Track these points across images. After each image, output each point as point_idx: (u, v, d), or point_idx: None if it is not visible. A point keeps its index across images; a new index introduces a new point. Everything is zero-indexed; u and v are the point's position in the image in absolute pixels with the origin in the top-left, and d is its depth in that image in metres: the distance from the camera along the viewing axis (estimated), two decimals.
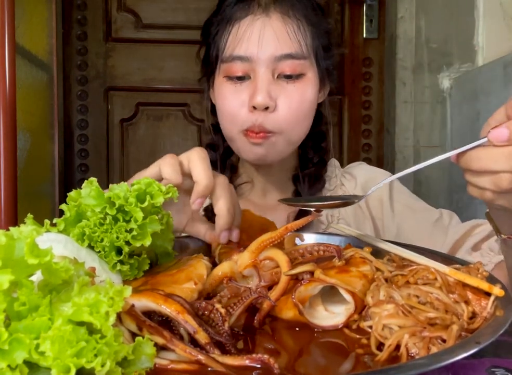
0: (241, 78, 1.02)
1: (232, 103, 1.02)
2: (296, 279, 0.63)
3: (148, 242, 0.61)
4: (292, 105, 1.01)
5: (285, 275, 0.62)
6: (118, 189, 0.62)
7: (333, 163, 1.20)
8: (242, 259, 0.64)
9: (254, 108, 0.99)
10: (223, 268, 0.63)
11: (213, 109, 1.14)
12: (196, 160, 0.76)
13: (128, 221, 0.61)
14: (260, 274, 0.63)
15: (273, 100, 0.99)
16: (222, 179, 0.79)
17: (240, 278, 0.64)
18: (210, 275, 0.63)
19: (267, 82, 0.99)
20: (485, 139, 0.60)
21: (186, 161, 0.77)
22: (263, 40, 1.00)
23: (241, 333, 0.56)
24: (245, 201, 1.17)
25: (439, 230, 1.05)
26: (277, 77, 1.01)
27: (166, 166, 0.76)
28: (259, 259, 0.64)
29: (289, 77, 1.01)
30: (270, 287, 0.63)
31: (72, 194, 0.63)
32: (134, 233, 0.60)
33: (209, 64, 1.10)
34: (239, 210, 0.84)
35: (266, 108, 0.99)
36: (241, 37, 1.01)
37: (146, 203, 0.61)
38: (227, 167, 1.17)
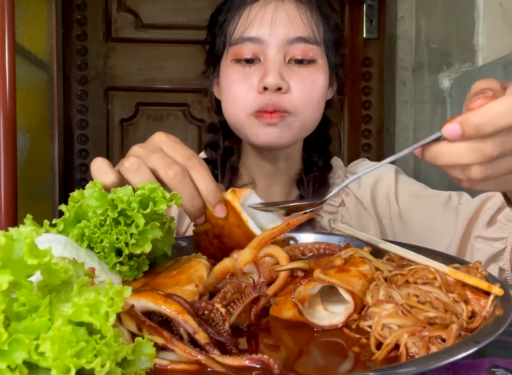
0: (250, 61, 0.99)
1: (240, 86, 0.99)
2: (292, 276, 0.63)
3: (148, 249, 0.61)
4: (305, 88, 0.98)
5: (275, 270, 0.62)
6: (122, 193, 0.61)
7: (337, 163, 1.17)
8: (243, 256, 0.64)
9: (265, 89, 0.96)
10: (225, 264, 0.64)
11: (217, 105, 1.11)
12: (199, 169, 0.69)
13: (129, 225, 0.61)
14: (260, 271, 0.63)
15: (286, 82, 0.96)
16: (195, 161, 0.70)
17: (241, 274, 0.64)
18: (212, 272, 0.63)
19: (278, 64, 0.97)
20: (440, 134, 0.58)
21: (179, 167, 0.68)
22: (275, 22, 0.97)
23: (245, 329, 0.56)
24: None
25: (450, 212, 1.01)
26: (288, 61, 0.98)
27: (135, 176, 0.67)
28: (259, 256, 0.64)
29: (300, 62, 0.98)
30: (270, 284, 0.63)
31: (75, 194, 0.63)
32: (134, 238, 0.60)
33: (215, 53, 1.07)
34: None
35: (279, 89, 0.95)
36: (253, 19, 0.98)
37: (148, 210, 0.61)
38: (227, 168, 1.12)
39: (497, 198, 0.95)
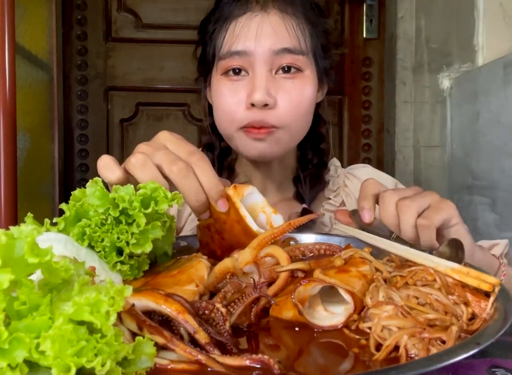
0: (238, 72, 1.00)
1: (230, 101, 1.01)
2: (292, 277, 0.63)
3: (148, 248, 0.61)
4: (292, 101, 1.00)
5: (276, 271, 0.62)
6: (124, 192, 0.61)
7: (334, 163, 1.20)
8: (243, 256, 0.64)
9: (252, 105, 0.98)
10: (226, 264, 0.64)
11: (210, 109, 1.13)
12: (202, 164, 0.70)
13: (130, 224, 0.61)
14: (260, 271, 0.63)
15: (273, 97, 0.98)
16: (197, 156, 0.71)
17: (241, 274, 0.64)
18: (212, 272, 0.63)
19: (265, 78, 0.98)
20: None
21: (182, 163, 0.69)
22: (260, 34, 0.99)
23: (245, 329, 0.56)
24: None
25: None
26: (275, 72, 1.00)
27: (140, 171, 0.68)
28: (259, 256, 0.64)
29: (287, 70, 1.00)
30: (270, 284, 0.63)
31: (76, 192, 0.63)
32: (135, 238, 0.60)
33: (206, 63, 1.09)
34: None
35: (265, 105, 0.97)
36: (239, 34, 1.00)
37: (150, 210, 0.61)
38: (224, 168, 1.16)
39: (499, 247, 0.97)
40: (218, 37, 1.03)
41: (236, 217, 0.71)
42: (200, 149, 1.17)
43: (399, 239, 0.74)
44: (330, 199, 1.15)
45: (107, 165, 0.69)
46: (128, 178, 0.70)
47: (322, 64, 1.08)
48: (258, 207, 0.74)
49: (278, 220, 0.73)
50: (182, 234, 1.11)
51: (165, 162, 0.69)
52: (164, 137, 0.73)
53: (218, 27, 1.04)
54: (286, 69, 1.00)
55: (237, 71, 1.01)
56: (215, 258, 0.71)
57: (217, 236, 0.75)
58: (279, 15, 1.01)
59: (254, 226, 0.70)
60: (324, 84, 1.12)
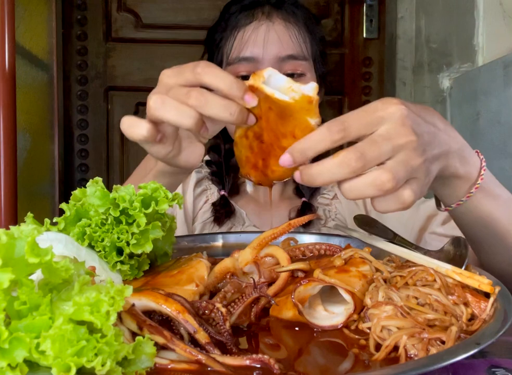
0: (245, 78, 1.03)
1: None
2: (292, 277, 0.63)
3: (149, 248, 0.61)
4: None
5: (276, 271, 0.62)
6: (124, 192, 0.62)
7: None
8: (243, 256, 0.64)
9: None
10: (226, 264, 0.64)
11: None
12: (211, 69, 0.66)
13: (130, 224, 0.61)
14: (260, 271, 0.63)
15: None
16: (202, 65, 0.67)
17: (241, 274, 0.64)
18: (212, 272, 0.63)
19: None
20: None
21: (191, 79, 0.66)
22: (267, 42, 1.06)
23: (245, 328, 0.56)
24: (248, 198, 1.23)
25: (412, 209, 1.02)
26: None
27: (163, 109, 0.65)
28: (260, 256, 0.64)
29: (291, 76, 1.06)
30: (270, 284, 0.63)
31: (76, 192, 0.63)
32: (135, 238, 0.60)
33: None
34: None
35: None
36: (247, 41, 1.08)
37: (150, 210, 0.61)
38: (230, 168, 1.22)
39: None
40: (226, 44, 1.10)
41: (267, 104, 0.65)
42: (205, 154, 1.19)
43: (403, 242, 0.73)
44: (324, 193, 1.22)
45: (132, 123, 0.67)
46: (157, 129, 0.67)
47: (320, 69, 1.16)
48: (284, 88, 0.65)
49: (308, 88, 0.64)
50: (195, 224, 1.17)
51: (180, 99, 0.65)
52: (167, 75, 0.69)
53: (226, 35, 1.11)
54: (290, 74, 1.06)
55: (245, 77, 1.05)
56: (256, 174, 0.68)
57: (256, 142, 0.69)
58: (283, 24, 1.09)
59: (285, 97, 0.63)
60: (322, 88, 1.20)
